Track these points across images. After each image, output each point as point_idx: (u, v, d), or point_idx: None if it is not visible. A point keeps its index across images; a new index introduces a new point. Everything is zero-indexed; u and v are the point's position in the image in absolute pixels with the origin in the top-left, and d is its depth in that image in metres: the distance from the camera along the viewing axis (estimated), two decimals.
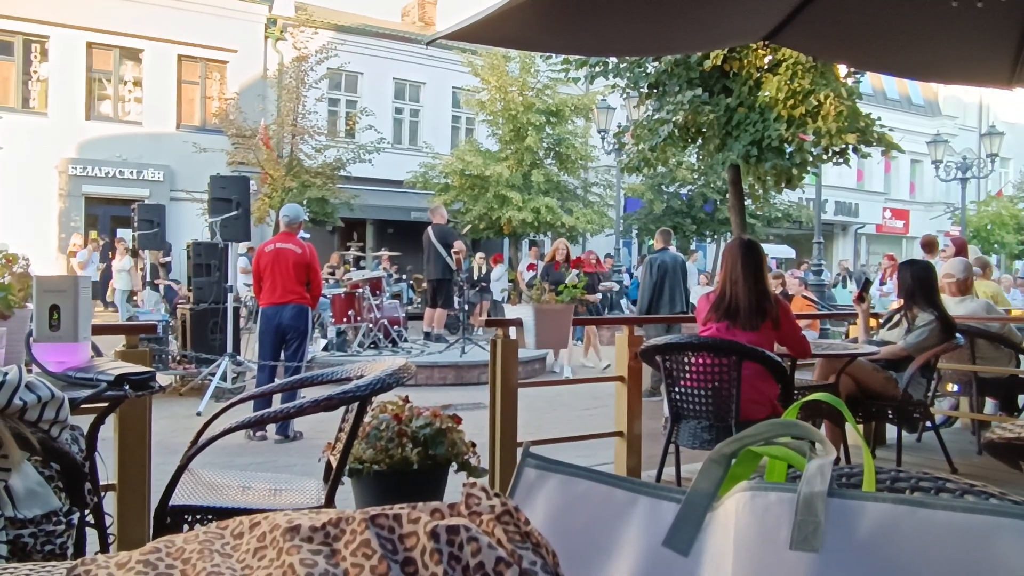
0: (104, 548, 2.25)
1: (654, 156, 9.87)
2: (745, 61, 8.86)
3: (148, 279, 15.13)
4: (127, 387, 1.97)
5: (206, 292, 9.69)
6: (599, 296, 12.76)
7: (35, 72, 20.34)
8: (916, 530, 0.61)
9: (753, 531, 0.65)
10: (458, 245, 11.93)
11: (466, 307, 12.92)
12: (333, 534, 0.54)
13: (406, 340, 12.44)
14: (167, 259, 16.03)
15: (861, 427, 5.20)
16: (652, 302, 9.65)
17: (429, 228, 12.30)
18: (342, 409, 2.67)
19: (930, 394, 5.04)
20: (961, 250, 7.69)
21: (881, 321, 5.68)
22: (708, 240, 26.74)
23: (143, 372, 2.06)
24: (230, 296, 8.75)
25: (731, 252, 4.08)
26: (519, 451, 0.80)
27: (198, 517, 2.45)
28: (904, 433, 5.02)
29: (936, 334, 4.84)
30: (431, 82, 24.84)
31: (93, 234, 19.95)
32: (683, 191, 24.29)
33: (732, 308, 3.94)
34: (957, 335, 5.04)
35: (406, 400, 4.29)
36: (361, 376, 2.66)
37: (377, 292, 12.27)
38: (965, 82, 6.14)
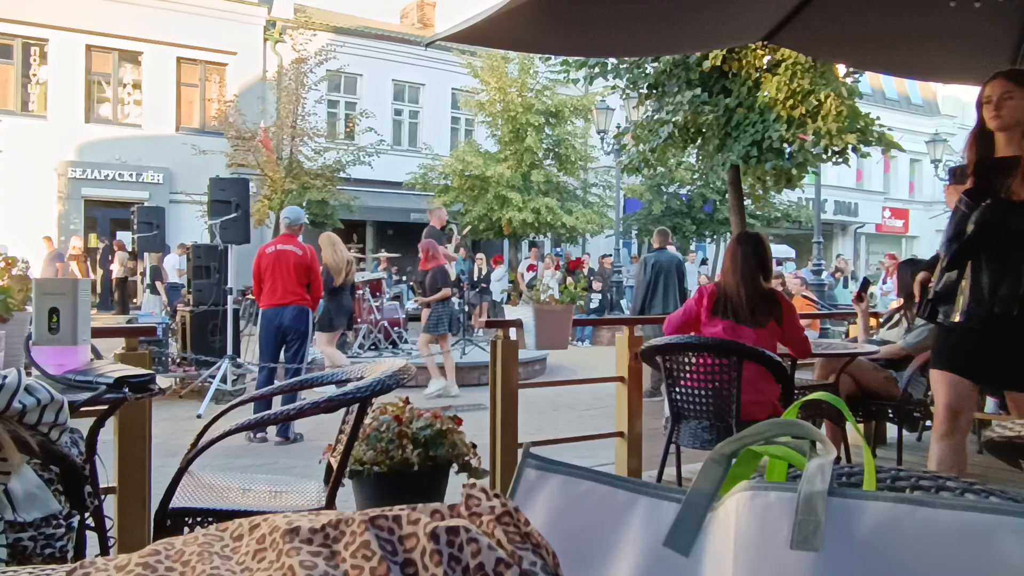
0: (104, 551, 2.25)
1: (654, 157, 9.87)
2: (744, 61, 8.86)
3: (148, 281, 15.14)
4: (127, 390, 1.97)
5: (206, 294, 9.69)
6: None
7: (34, 75, 20.35)
8: (917, 529, 0.61)
9: (753, 531, 0.65)
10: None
11: (466, 308, 12.92)
12: (333, 536, 0.54)
13: (406, 341, 12.45)
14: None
15: (861, 426, 5.21)
16: (646, 301, 9.65)
17: (424, 229, 12.33)
18: (342, 411, 2.67)
19: (930, 393, 5.04)
20: None
21: (881, 320, 5.68)
22: (708, 240, 26.76)
23: (143, 374, 2.05)
24: (230, 298, 8.75)
25: (735, 247, 4.07)
26: (519, 452, 0.80)
27: (198, 519, 2.44)
28: (904, 432, 5.02)
29: (935, 333, 4.83)
30: (430, 83, 24.84)
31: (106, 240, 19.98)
32: (682, 191, 24.29)
33: (737, 305, 3.93)
34: None
35: (407, 401, 4.29)
36: (361, 378, 2.65)
37: (377, 294, 12.27)
38: (964, 81, 6.13)
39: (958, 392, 3.09)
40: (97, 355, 3.13)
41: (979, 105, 3.12)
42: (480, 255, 19.61)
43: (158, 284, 15.12)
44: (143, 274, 16.39)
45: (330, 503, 2.60)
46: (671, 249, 10.29)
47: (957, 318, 3.03)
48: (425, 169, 21.43)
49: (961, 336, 3.10)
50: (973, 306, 2.99)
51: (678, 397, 3.99)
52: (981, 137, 3.14)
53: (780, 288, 12.14)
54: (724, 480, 0.72)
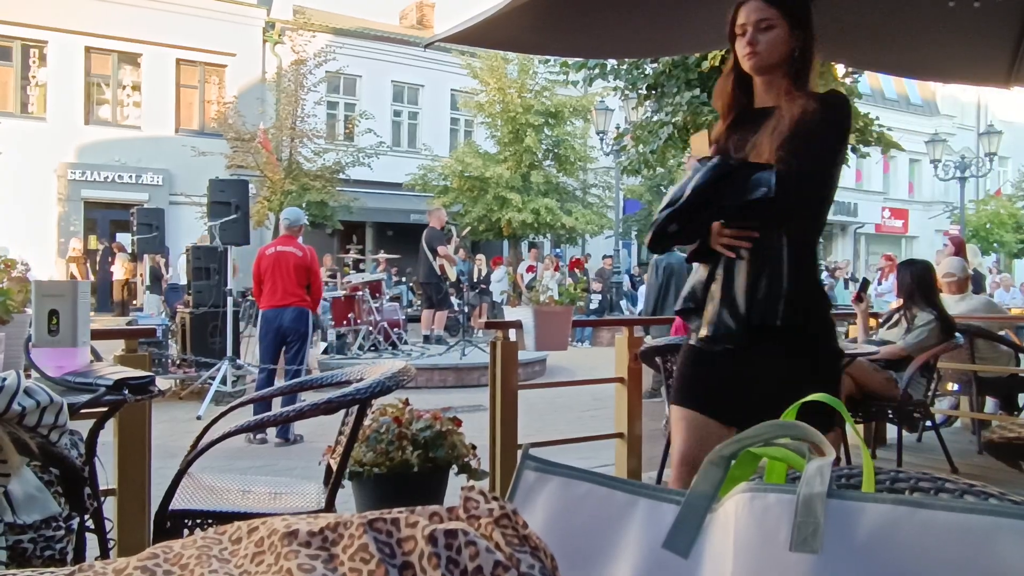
0: (104, 553, 2.25)
1: (654, 158, 9.88)
2: None
3: (148, 283, 15.15)
4: (126, 391, 1.97)
5: (205, 296, 9.68)
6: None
7: (34, 77, 20.35)
8: (916, 531, 0.61)
9: (753, 533, 0.65)
10: (442, 251, 11.92)
11: (466, 309, 12.93)
12: (331, 538, 0.54)
13: (406, 343, 12.45)
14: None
15: (861, 427, 5.20)
16: (658, 303, 9.64)
17: (425, 231, 12.35)
18: (342, 412, 2.67)
19: (930, 394, 5.04)
20: (960, 249, 7.68)
21: (880, 321, 5.68)
22: None
23: (142, 376, 2.05)
24: (229, 299, 8.75)
25: None
26: (519, 453, 0.80)
27: (198, 521, 2.44)
28: (904, 433, 5.02)
29: (935, 334, 4.84)
30: (430, 84, 24.84)
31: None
32: None
33: None
34: (957, 334, 5.03)
35: (406, 403, 4.29)
36: (361, 379, 2.65)
37: (377, 295, 12.27)
38: (963, 81, 6.14)
39: (700, 437, 2.21)
40: (97, 357, 3.13)
41: (731, 38, 2.28)
42: (480, 256, 19.62)
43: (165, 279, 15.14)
44: (143, 275, 16.40)
45: (330, 505, 2.60)
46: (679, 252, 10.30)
47: (704, 332, 2.22)
48: (424, 170, 21.43)
49: (705, 357, 2.26)
50: (725, 315, 2.18)
51: None
52: (738, 82, 2.32)
53: None
54: (723, 482, 0.72)
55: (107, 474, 2.69)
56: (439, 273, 12.06)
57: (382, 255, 17.13)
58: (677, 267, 9.70)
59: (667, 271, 9.65)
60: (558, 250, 24.40)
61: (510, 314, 4.43)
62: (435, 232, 12.23)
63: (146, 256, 14.68)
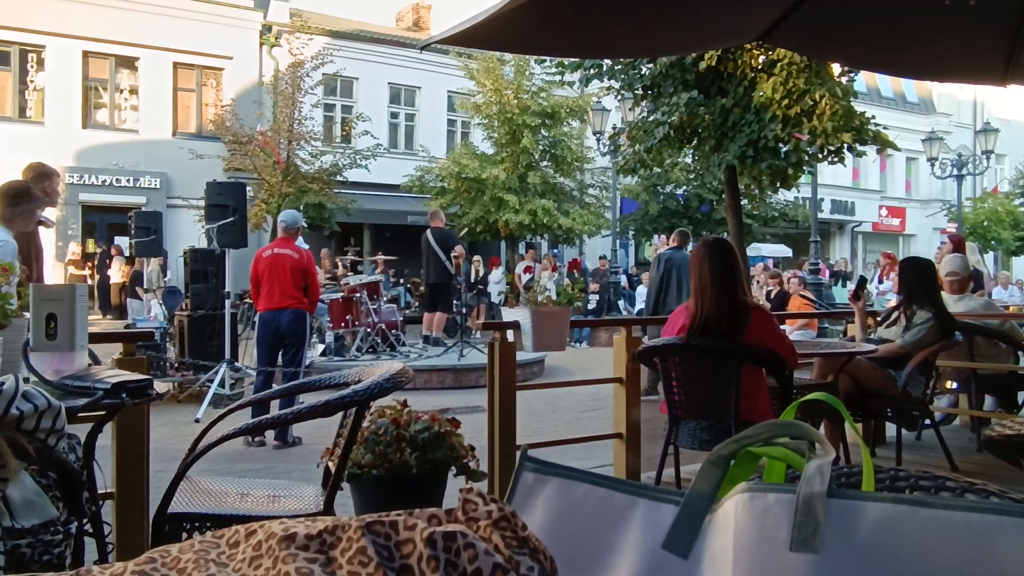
0: (103, 557, 2.25)
1: (650, 157, 9.88)
2: (740, 62, 8.87)
3: (145, 286, 15.16)
4: (124, 395, 1.96)
5: (204, 299, 9.68)
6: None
7: (32, 81, 20.34)
8: (917, 530, 0.61)
9: (752, 533, 0.65)
10: (457, 249, 11.91)
11: (464, 310, 12.92)
12: (329, 542, 0.53)
13: (404, 344, 12.44)
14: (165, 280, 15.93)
15: (860, 426, 5.20)
16: (659, 297, 9.58)
17: (428, 232, 12.25)
18: (340, 414, 2.66)
19: (929, 392, 5.04)
20: (959, 247, 7.68)
21: (879, 319, 5.68)
22: None
23: (140, 380, 2.05)
24: (227, 302, 8.74)
25: (697, 256, 3.82)
26: (518, 454, 0.79)
27: (196, 525, 2.44)
28: (903, 431, 5.02)
29: (934, 332, 4.83)
30: (426, 86, 24.84)
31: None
32: (679, 192, 24.31)
33: (705, 322, 3.69)
34: (956, 332, 5.03)
35: (404, 404, 4.28)
36: (359, 381, 2.65)
37: (375, 296, 12.26)
38: (959, 80, 6.15)
39: None
40: (95, 360, 3.12)
41: None
42: (477, 257, 19.60)
43: (138, 289, 15.20)
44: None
45: (328, 507, 2.59)
46: (686, 251, 10.26)
47: None
48: (422, 172, 21.41)
49: None
50: None
51: (676, 398, 3.98)
52: None
53: (777, 288, 12.18)
54: (723, 482, 0.72)
55: (105, 478, 2.69)
56: (454, 272, 11.98)
57: (380, 257, 17.11)
58: (679, 262, 9.65)
59: (668, 264, 9.60)
60: (555, 250, 24.40)
61: (508, 315, 4.43)
62: (445, 232, 12.18)
63: (145, 259, 14.68)
